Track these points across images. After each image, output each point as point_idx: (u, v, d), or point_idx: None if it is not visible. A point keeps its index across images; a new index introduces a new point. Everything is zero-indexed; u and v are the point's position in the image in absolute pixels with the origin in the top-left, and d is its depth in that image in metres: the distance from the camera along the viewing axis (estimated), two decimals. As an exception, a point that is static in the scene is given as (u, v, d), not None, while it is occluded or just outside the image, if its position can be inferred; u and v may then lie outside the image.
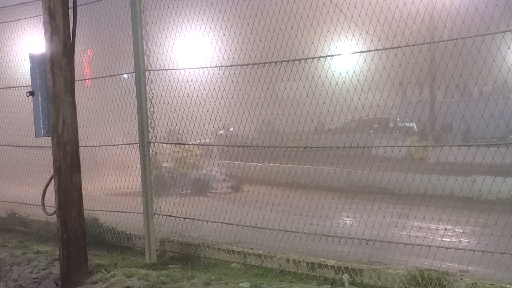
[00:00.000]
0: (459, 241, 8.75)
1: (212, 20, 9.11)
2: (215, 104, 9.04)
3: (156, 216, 9.46)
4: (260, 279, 7.95)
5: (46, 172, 9.51)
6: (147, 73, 9.42)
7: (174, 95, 9.39)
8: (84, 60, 11.62)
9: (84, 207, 8.50)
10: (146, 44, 9.41)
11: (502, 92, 8.02)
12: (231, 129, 10.44)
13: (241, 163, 10.78)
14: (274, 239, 8.62)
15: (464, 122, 7.74)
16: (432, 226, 9.75)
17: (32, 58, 8.63)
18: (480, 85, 7.55)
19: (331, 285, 7.60)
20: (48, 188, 8.92)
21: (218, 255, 9.05)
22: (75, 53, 8.45)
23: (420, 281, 7.06)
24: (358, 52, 7.79)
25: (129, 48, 9.66)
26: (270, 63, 8.43)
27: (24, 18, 12.05)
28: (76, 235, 8.31)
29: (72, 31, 8.34)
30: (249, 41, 8.60)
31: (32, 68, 8.62)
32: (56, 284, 8.66)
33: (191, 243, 9.37)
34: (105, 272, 8.57)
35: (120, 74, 10.52)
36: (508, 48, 6.70)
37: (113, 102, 10.48)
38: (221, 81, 9.04)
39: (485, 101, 7.44)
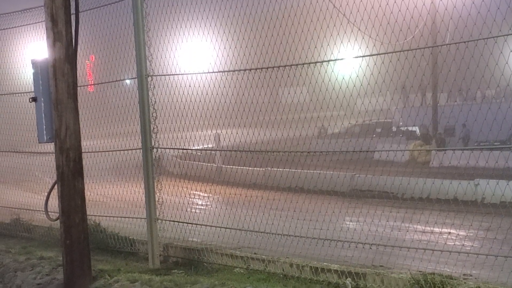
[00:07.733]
0: (463, 244, 8.72)
1: (215, 25, 9.13)
2: (217, 109, 9.04)
3: (159, 221, 9.46)
4: (264, 284, 7.94)
5: (49, 178, 9.52)
6: (149, 78, 9.43)
7: (177, 100, 9.40)
8: (86, 66, 11.63)
9: (87, 212, 8.50)
10: (149, 50, 9.40)
11: (505, 95, 8.03)
12: None
13: (245, 167, 10.77)
14: (278, 243, 8.61)
15: (466, 126, 7.75)
16: (436, 229, 9.76)
17: (34, 64, 8.62)
18: (482, 88, 7.57)
19: (334, 289, 7.59)
20: (52, 193, 8.92)
21: (221, 260, 9.03)
22: (78, 59, 8.46)
23: (423, 285, 7.05)
24: (361, 57, 7.80)
25: (131, 54, 9.67)
26: (273, 67, 8.43)
27: (26, 25, 12.06)
28: (79, 241, 8.31)
29: (75, 37, 8.35)
30: (252, 46, 8.60)
31: (34, 74, 8.61)
32: (60, 290, 8.67)
33: (194, 248, 9.36)
34: (109, 278, 8.56)
35: (123, 80, 10.52)
36: (511, 51, 6.70)
37: (116, 108, 10.48)
38: (224, 86, 9.04)
39: (488, 105, 7.45)
